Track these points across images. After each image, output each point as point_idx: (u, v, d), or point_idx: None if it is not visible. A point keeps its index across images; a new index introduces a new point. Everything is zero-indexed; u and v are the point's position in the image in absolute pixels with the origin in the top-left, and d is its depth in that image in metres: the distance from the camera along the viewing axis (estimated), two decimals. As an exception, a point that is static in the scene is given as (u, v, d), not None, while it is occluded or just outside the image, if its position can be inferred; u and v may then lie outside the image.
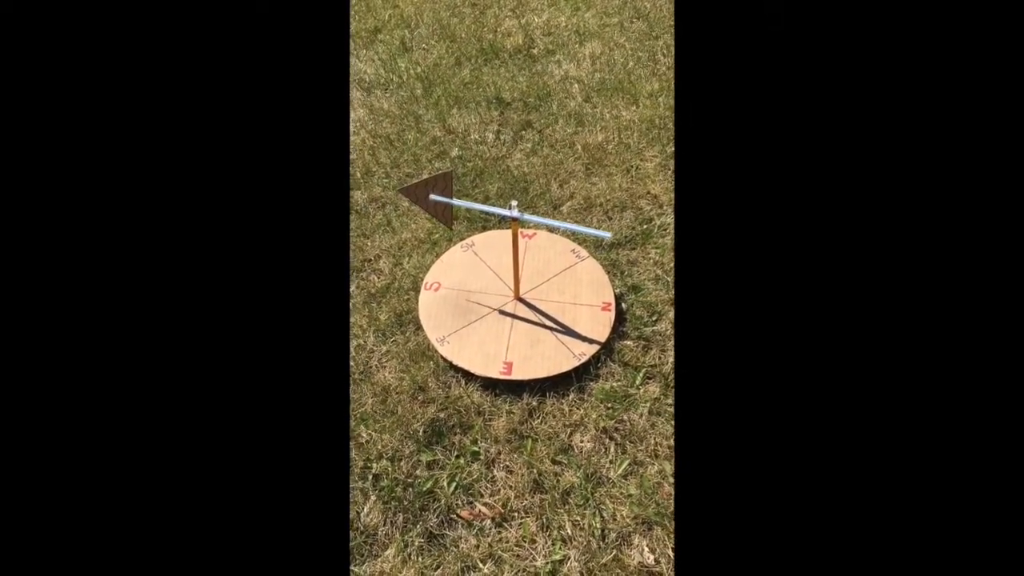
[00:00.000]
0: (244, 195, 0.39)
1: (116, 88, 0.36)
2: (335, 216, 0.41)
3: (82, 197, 0.35)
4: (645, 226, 1.39)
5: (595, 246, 1.35)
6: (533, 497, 0.98)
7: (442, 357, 1.15)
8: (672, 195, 1.45)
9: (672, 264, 1.29)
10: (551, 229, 1.39)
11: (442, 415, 1.09)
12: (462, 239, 1.38)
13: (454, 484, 1.00)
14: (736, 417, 0.37)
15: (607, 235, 1.01)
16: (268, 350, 0.39)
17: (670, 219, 1.40)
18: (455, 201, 1.10)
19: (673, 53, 1.89)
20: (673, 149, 1.57)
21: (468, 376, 1.13)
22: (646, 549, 0.91)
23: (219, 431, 0.37)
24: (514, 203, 1.05)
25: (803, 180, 0.37)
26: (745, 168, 0.38)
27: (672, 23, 2.02)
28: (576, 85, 1.82)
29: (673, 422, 1.05)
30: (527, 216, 1.05)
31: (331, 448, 0.39)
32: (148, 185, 0.37)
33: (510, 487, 0.99)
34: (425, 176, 1.57)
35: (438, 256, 1.35)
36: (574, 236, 1.36)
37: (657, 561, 0.90)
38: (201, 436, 0.37)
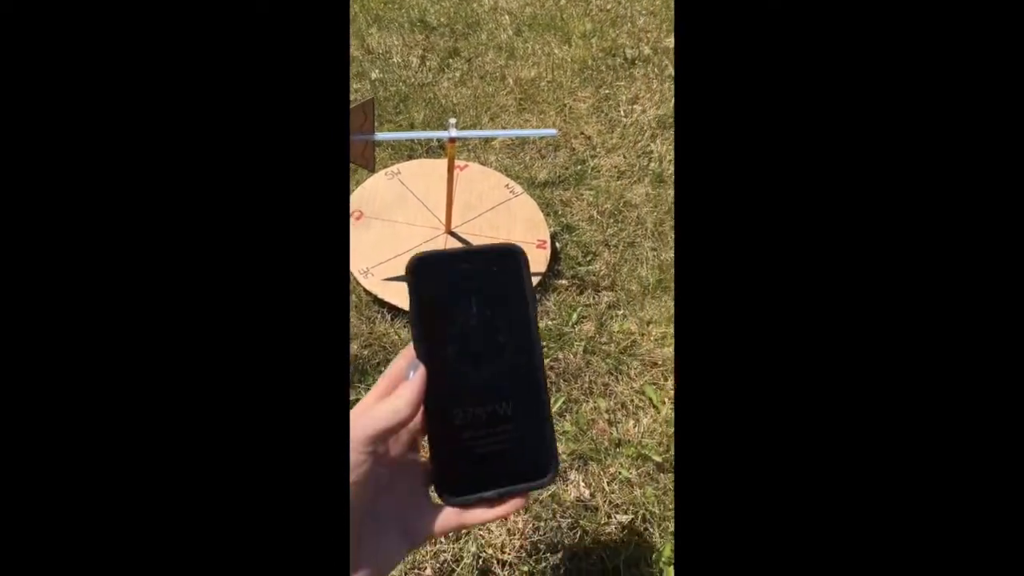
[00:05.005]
0: (242, 163, 0.35)
1: (103, 67, 0.33)
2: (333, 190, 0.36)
3: (68, 166, 0.33)
4: (579, 167, 1.35)
5: (529, 184, 1.29)
6: (466, 436, 0.93)
7: (365, 290, 1.05)
8: (606, 138, 1.42)
9: (607, 206, 1.27)
10: (489, 145, 1.30)
11: (365, 352, 0.99)
12: (386, 167, 1.26)
13: (380, 425, 0.92)
14: (736, 400, 0.34)
15: (553, 132, 0.97)
16: (260, 329, 0.35)
17: (604, 161, 1.37)
18: (380, 135, 0.92)
19: (606, -4, 1.83)
20: (606, 92, 1.53)
21: (395, 311, 1.03)
22: (582, 484, 0.90)
23: (212, 411, 0.34)
24: (452, 120, 0.96)
25: (811, 167, 0.33)
26: (744, 148, 0.34)
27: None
28: (507, 16, 1.72)
29: (608, 361, 1.03)
30: (468, 132, 0.96)
31: (329, 427, 0.35)
32: (141, 161, 0.34)
33: (441, 427, 0.93)
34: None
35: (359, 183, 1.21)
36: (507, 172, 1.29)
37: (593, 495, 0.89)
38: (194, 412, 0.34)
